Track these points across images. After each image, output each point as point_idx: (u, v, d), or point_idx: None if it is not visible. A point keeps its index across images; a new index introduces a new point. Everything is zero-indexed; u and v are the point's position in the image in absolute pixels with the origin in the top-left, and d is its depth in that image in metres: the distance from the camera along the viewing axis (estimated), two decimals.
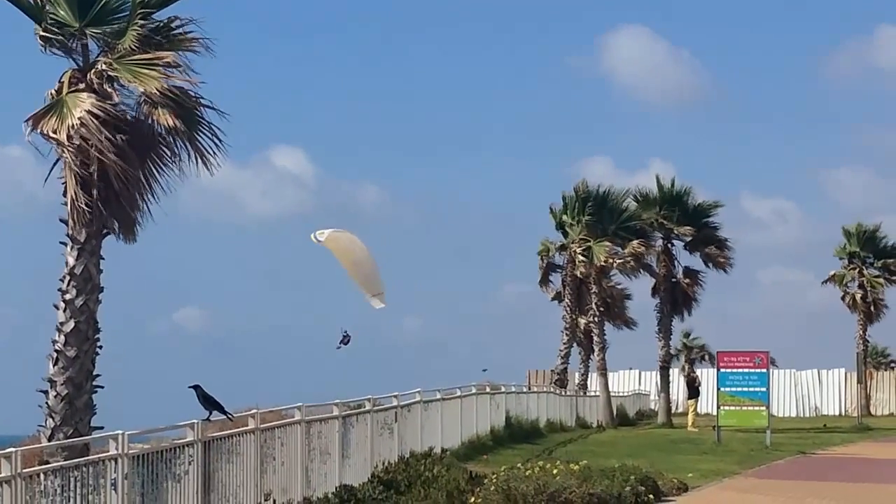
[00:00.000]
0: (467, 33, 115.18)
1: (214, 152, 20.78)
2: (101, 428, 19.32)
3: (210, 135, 20.77)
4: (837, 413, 61.54)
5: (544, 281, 52.68)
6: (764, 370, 36.48)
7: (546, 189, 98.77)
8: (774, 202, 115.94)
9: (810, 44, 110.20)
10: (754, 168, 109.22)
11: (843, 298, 63.30)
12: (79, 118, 19.69)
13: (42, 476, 11.24)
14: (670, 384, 52.47)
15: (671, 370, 53.46)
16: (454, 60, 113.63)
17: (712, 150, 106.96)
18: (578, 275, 49.07)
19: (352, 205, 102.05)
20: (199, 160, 20.73)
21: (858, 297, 62.76)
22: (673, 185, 51.08)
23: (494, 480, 18.96)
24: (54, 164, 20.22)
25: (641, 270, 50.20)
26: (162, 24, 21.13)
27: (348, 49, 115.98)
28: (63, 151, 19.83)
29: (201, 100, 20.82)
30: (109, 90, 20.43)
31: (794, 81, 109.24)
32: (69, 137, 19.66)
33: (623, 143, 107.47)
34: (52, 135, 19.77)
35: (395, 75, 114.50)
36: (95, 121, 19.73)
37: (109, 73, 20.47)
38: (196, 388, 14.69)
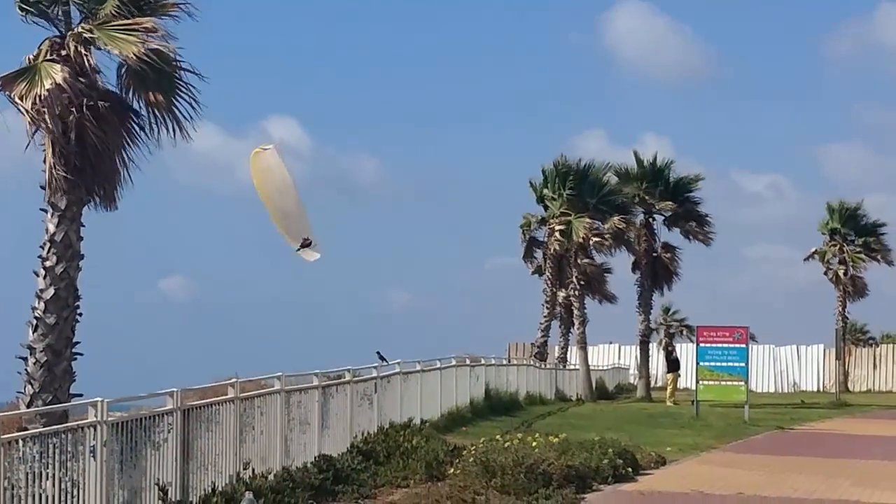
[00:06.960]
0: (466, 8, 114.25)
1: (191, 117, 20.75)
2: (81, 395, 19.29)
3: (188, 100, 20.71)
4: (816, 389, 61.75)
5: (528, 255, 52.49)
6: (743, 345, 36.54)
7: (541, 163, 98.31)
8: (768, 178, 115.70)
9: (811, 21, 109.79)
10: (749, 144, 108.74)
11: (825, 274, 63.46)
12: (47, 89, 19.61)
13: (20, 443, 11.18)
14: (650, 358, 52.65)
15: (651, 344, 53.64)
16: (453, 34, 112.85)
17: (708, 125, 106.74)
18: (553, 252, 49.10)
19: (349, 178, 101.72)
20: (177, 128, 20.68)
21: (841, 272, 62.93)
22: (655, 160, 51.20)
23: (473, 452, 18.98)
24: (35, 130, 20.14)
25: (621, 247, 50.27)
26: None
27: (346, 24, 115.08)
28: (34, 118, 19.74)
29: (181, 63, 20.73)
30: (86, 54, 20.31)
31: (793, 58, 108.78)
32: (34, 106, 19.58)
33: (619, 118, 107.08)
34: (18, 101, 19.74)
35: (393, 49, 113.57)
36: (67, 91, 19.66)
37: (87, 36, 20.35)
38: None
